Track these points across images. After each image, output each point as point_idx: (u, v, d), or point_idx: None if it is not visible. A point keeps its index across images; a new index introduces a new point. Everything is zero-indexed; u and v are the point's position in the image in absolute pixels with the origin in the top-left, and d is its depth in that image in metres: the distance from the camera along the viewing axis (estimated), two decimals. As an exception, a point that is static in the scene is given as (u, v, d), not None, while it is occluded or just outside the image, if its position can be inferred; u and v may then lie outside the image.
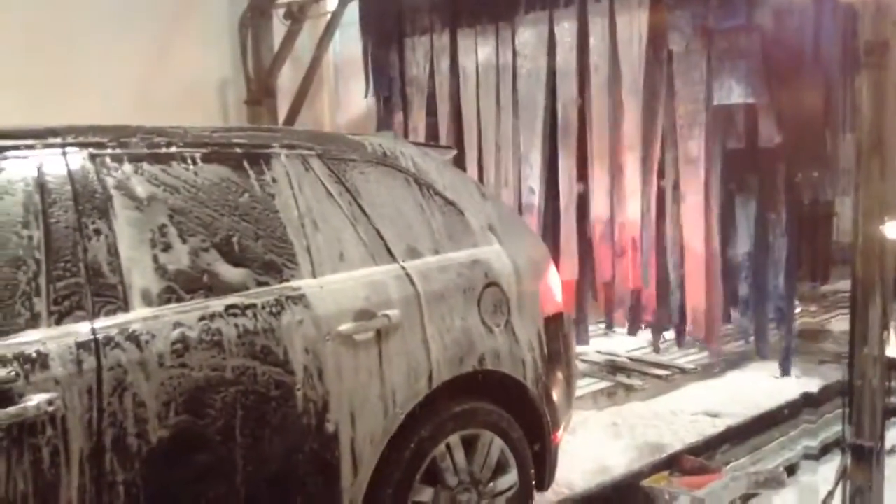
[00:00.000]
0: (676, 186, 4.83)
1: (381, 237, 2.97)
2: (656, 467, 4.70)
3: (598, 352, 7.23)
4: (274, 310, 2.59)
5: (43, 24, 5.28)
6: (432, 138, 5.94)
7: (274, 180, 2.77)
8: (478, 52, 5.54)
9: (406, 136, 6.08)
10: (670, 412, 5.85)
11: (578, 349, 6.72)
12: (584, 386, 6.54)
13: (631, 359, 7.19)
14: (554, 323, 3.50)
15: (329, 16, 6.24)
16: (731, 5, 4.32)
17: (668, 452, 4.95)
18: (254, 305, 2.56)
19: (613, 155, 4.98)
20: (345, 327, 2.73)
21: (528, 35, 5.26)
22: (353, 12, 6.26)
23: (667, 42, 4.67)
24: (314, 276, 2.75)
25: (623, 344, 7.37)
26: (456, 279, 3.11)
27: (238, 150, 2.72)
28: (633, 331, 6.03)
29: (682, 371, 6.76)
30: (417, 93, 5.92)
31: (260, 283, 2.62)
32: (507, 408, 3.28)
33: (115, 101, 5.54)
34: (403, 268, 2.98)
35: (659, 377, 6.66)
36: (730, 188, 4.89)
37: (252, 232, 2.65)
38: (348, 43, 6.53)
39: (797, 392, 5.86)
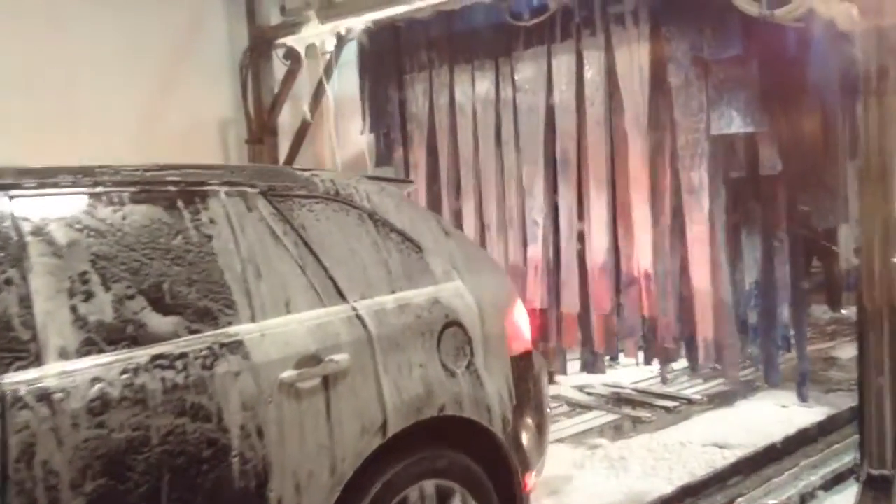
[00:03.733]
0: (680, 216, 4.83)
1: (331, 278, 2.80)
2: (667, 501, 4.65)
3: (604, 384, 7.19)
4: (207, 361, 2.40)
5: (44, 62, 5.31)
6: (432, 174, 5.96)
7: (212, 221, 2.60)
8: (476, 87, 5.58)
9: (406, 172, 6.10)
10: (679, 444, 5.80)
11: (588, 380, 6.71)
12: (590, 419, 6.51)
13: (637, 390, 7.15)
14: (523, 363, 3.32)
15: (328, 55, 6.28)
16: (728, 36, 4.35)
17: (679, 485, 4.91)
18: (184, 356, 2.37)
19: (615, 187, 4.99)
20: (287, 375, 2.54)
21: (527, 70, 5.30)
22: (351, 51, 6.31)
23: (666, 73, 4.69)
24: (254, 321, 2.56)
25: (628, 376, 7.34)
26: (413, 320, 2.94)
27: (172, 189, 2.55)
28: (648, 360, 6.00)
29: (690, 402, 6.72)
30: (417, 129, 5.95)
31: (193, 332, 2.43)
32: (472, 455, 3.09)
33: (116, 140, 5.56)
34: (355, 309, 2.80)
35: (666, 408, 6.62)
36: (733, 217, 4.89)
37: (185, 277, 2.47)
38: (347, 81, 6.57)
39: (807, 421, 5.81)
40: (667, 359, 5.65)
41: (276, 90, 6.23)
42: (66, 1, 5.46)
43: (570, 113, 5.13)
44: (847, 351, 7.57)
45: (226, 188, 2.68)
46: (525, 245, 5.52)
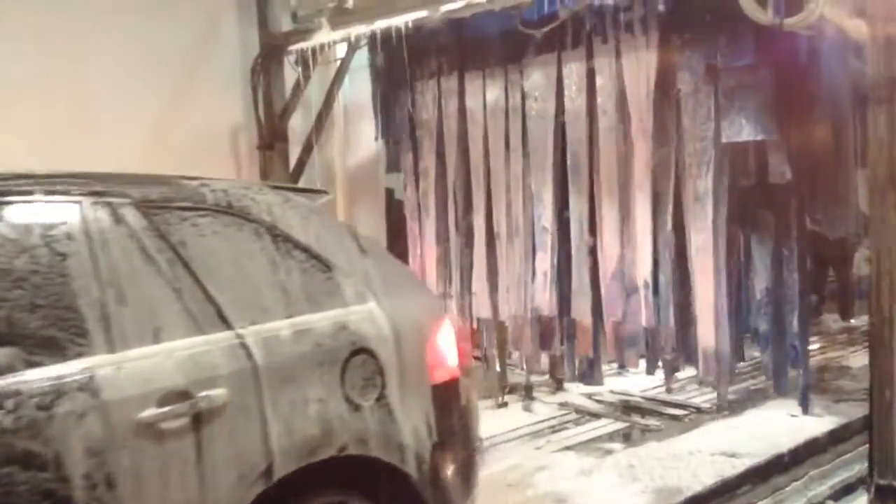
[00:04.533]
0: (686, 225, 4.82)
1: (213, 302, 2.48)
2: (675, 511, 4.63)
3: (612, 392, 7.18)
4: (45, 399, 2.07)
5: (57, 70, 5.36)
6: (441, 181, 5.97)
7: (68, 237, 2.29)
8: (486, 94, 5.59)
9: (416, 178, 6.11)
10: (688, 453, 5.78)
11: (593, 389, 6.70)
12: (599, 427, 6.50)
13: (646, 398, 7.14)
14: (447, 393, 3.00)
15: (339, 62, 6.32)
16: (739, 44, 4.35)
17: (688, 494, 4.90)
18: (17, 393, 2.05)
19: (623, 194, 4.99)
20: (147, 414, 2.22)
21: (537, 77, 5.31)
22: (362, 57, 6.34)
23: (675, 81, 4.69)
24: (112, 352, 2.24)
25: (637, 383, 7.33)
26: (312, 349, 2.62)
27: (21, 200, 2.26)
28: (650, 370, 5.98)
29: (699, 410, 6.69)
30: (427, 135, 5.97)
31: (31, 365, 2.12)
32: (380, 499, 2.80)
33: (129, 147, 5.60)
34: (240, 337, 2.48)
35: (675, 417, 6.60)
36: (742, 225, 4.88)
37: (27, 301, 2.16)
38: (358, 87, 6.60)
39: (817, 430, 5.79)
40: (670, 369, 5.64)
41: (286, 96, 6.26)
42: (80, 9, 5.49)
43: (580, 120, 5.14)
44: (858, 360, 7.55)
45: (90, 199, 2.38)
46: (534, 252, 5.52)
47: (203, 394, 2.34)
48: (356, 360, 2.73)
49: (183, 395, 2.31)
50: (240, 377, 2.44)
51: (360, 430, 2.69)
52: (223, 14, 6.34)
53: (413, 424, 2.84)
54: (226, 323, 2.49)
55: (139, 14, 5.75)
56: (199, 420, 2.32)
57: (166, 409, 2.27)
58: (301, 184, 6.43)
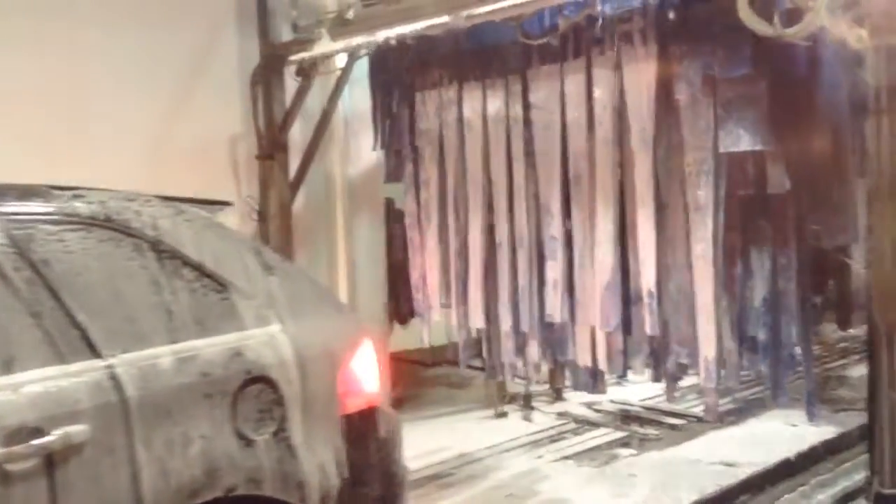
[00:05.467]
0: (686, 234, 4.85)
1: (79, 326, 2.21)
2: (676, 519, 4.65)
3: (612, 401, 7.20)
4: None
5: (57, 81, 5.37)
6: (442, 191, 5.99)
7: None
8: (487, 104, 5.62)
9: (416, 188, 6.12)
10: (688, 462, 5.80)
11: (596, 397, 6.71)
12: (598, 436, 6.52)
13: (645, 408, 7.15)
14: (362, 423, 2.77)
15: (339, 72, 6.34)
16: (737, 54, 4.38)
17: (687, 503, 4.91)
18: None
19: (621, 205, 5.02)
20: None
21: (539, 88, 5.34)
22: (362, 67, 6.37)
23: (675, 92, 4.72)
24: None
25: (636, 393, 7.35)
26: (197, 379, 2.36)
27: None
28: (655, 378, 6.00)
29: (699, 419, 6.72)
30: (428, 145, 5.99)
31: None
32: None
33: (128, 157, 5.61)
34: (110, 367, 2.21)
35: (675, 426, 6.62)
36: (742, 234, 4.90)
37: None
38: (358, 97, 6.62)
39: (817, 439, 5.81)
40: (673, 377, 5.65)
41: (287, 106, 6.27)
42: (80, 19, 5.51)
43: (582, 130, 5.17)
44: (857, 369, 7.58)
45: None
46: (540, 262, 5.54)
47: (58, 431, 2.07)
48: (251, 390, 2.47)
49: (33, 432, 2.04)
50: (105, 412, 2.16)
51: (253, 468, 2.43)
52: (223, 24, 6.35)
53: (319, 460, 2.60)
54: (93, 351, 2.22)
55: (139, 24, 5.76)
56: (52, 461, 2.06)
57: (12, 448, 2.01)
58: (301, 194, 6.46)
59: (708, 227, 4.64)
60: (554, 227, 5.37)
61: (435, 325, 6.28)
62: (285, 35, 6.27)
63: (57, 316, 2.20)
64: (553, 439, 6.50)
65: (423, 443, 6.31)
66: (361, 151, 6.79)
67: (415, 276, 6.21)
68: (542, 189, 5.38)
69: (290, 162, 6.40)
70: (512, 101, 5.48)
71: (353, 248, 6.96)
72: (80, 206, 2.41)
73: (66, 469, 2.08)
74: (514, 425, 6.84)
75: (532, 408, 7.12)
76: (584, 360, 5.42)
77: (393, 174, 6.40)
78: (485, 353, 6.41)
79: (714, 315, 4.72)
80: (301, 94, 6.17)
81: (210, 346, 2.44)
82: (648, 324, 4.99)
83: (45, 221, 2.31)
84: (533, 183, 5.45)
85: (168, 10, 5.90)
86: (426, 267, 6.11)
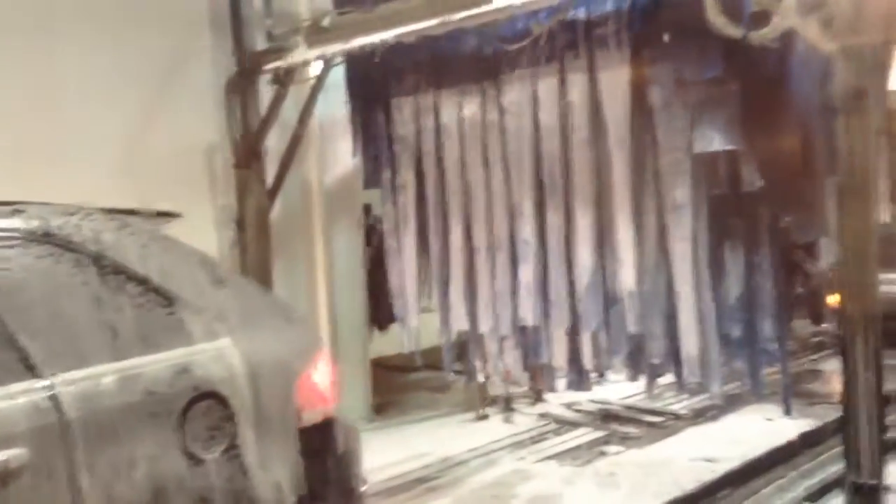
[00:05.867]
0: (663, 234, 4.92)
1: (16, 346, 2.12)
2: (657, 515, 4.71)
3: (591, 401, 7.26)
4: None
5: (31, 94, 5.33)
6: (417, 197, 6.01)
7: None
8: (463, 110, 5.67)
9: (394, 194, 6.15)
10: (667, 459, 5.88)
11: (576, 397, 6.77)
12: (578, 436, 6.58)
13: (625, 407, 7.23)
14: (319, 437, 2.70)
15: (315, 79, 6.35)
16: (708, 57, 4.46)
17: (667, 500, 4.98)
18: None
19: (599, 207, 5.08)
20: None
21: (513, 93, 5.40)
22: (337, 74, 6.39)
23: (648, 94, 4.80)
24: None
25: (616, 392, 7.42)
26: (143, 398, 2.28)
27: None
28: (634, 377, 6.08)
29: (677, 417, 6.80)
30: (405, 151, 6.02)
31: None
32: None
33: (103, 167, 5.58)
34: (50, 388, 2.12)
35: (653, 424, 6.70)
36: (717, 233, 4.99)
37: None
38: (334, 104, 6.63)
39: (793, 433, 5.91)
40: (652, 375, 5.73)
41: (262, 115, 6.27)
42: (54, 32, 5.48)
43: (556, 134, 5.23)
44: (831, 363, 7.71)
45: None
46: (515, 266, 5.59)
47: None
48: (199, 407, 2.38)
49: None
50: (44, 434, 2.07)
51: (203, 487, 2.35)
52: (197, 34, 6.33)
53: (273, 477, 2.52)
54: (32, 371, 2.12)
55: (111, 35, 5.74)
56: None
57: None
58: (278, 202, 6.46)
59: (687, 227, 4.71)
60: (527, 231, 5.42)
61: (415, 329, 6.30)
62: (260, 44, 6.27)
63: None
64: (535, 440, 6.55)
65: (407, 447, 6.34)
66: (338, 158, 6.80)
67: (394, 281, 6.24)
68: (514, 193, 5.44)
69: (267, 170, 6.40)
70: (487, 106, 5.53)
71: (331, 255, 6.98)
72: (19, 222, 2.34)
73: (5, 495, 2.00)
74: (496, 427, 6.88)
75: (513, 410, 7.17)
76: (560, 361, 5.47)
77: (371, 180, 6.43)
78: (464, 357, 6.46)
79: (695, 313, 4.79)
80: (277, 102, 6.18)
81: (155, 363, 2.35)
82: (629, 322, 5.05)
83: None
84: (507, 187, 5.50)
85: (142, 22, 5.87)
86: (405, 272, 6.14)
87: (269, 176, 6.41)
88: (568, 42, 5.00)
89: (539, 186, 5.38)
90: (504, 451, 6.30)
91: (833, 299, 6.89)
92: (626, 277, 4.99)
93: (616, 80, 4.85)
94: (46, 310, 2.26)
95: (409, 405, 7.66)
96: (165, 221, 2.94)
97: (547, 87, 5.19)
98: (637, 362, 5.36)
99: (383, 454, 6.17)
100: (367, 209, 7.36)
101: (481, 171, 5.63)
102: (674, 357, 5.06)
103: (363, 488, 2.98)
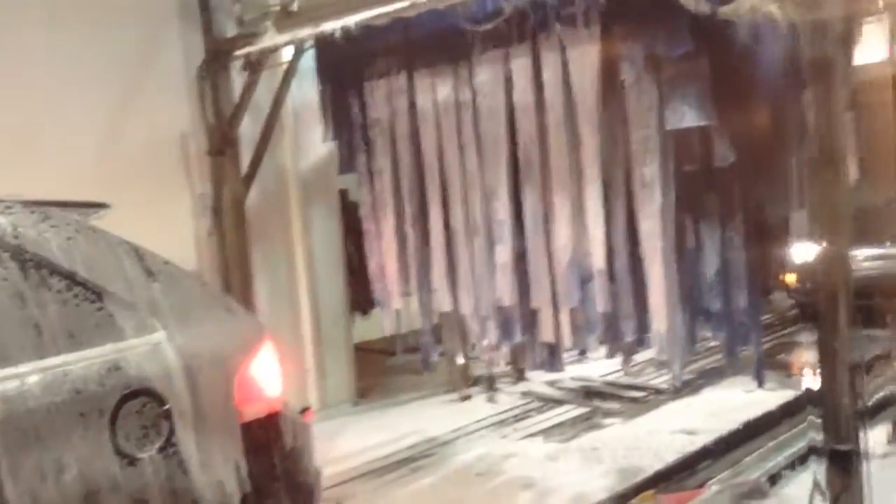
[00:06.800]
0: (633, 212, 4.96)
1: None
2: (640, 488, 4.77)
3: (573, 378, 7.33)
4: None
5: (7, 89, 5.25)
6: (394, 180, 6.00)
7: None
8: (437, 92, 5.64)
9: (371, 178, 6.13)
10: (649, 433, 5.96)
11: (558, 375, 6.82)
12: (561, 413, 6.65)
13: (606, 383, 7.30)
14: (265, 430, 2.63)
15: (286, 64, 6.31)
16: (678, 33, 4.46)
17: (650, 472, 5.04)
18: None
19: (574, 185, 5.09)
20: None
21: (486, 73, 5.38)
22: (310, 58, 6.35)
23: (618, 72, 4.80)
24: None
25: (597, 369, 7.49)
26: (69, 397, 2.18)
27: None
28: (610, 354, 6.12)
29: (658, 391, 6.88)
30: (380, 135, 5.99)
31: None
32: None
33: (76, 159, 5.54)
34: None
35: (635, 399, 6.78)
36: (690, 209, 5.02)
37: None
38: (307, 89, 6.60)
39: (772, 404, 5.99)
40: (627, 352, 5.79)
41: (235, 101, 6.23)
42: (20, 20, 5.41)
43: (529, 114, 5.22)
44: (807, 335, 7.82)
45: None
46: (492, 246, 5.60)
47: None
48: (132, 404, 2.30)
49: None
50: None
51: (138, 488, 2.27)
52: (166, 21, 6.27)
53: (215, 473, 2.44)
54: None
55: (81, 24, 5.67)
56: None
57: None
58: (254, 189, 6.43)
59: (655, 204, 4.74)
60: (502, 212, 5.43)
61: (396, 313, 6.31)
62: (230, 30, 6.22)
63: None
64: (518, 418, 6.62)
65: (391, 429, 6.40)
66: (313, 144, 6.78)
67: (373, 265, 6.23)
68: (490, 174, 5.44)
69: (242, 157, 6.37)
70: (460, 88, 5.50)
71: (310, 241, 6.97)
72: None
73: None
74: (480, 407, 6.94)
75: (496, 389, 7.23)
76: (539, 339, 5.50)
77: (346, 165, 6.40)
78: (446, 338, 6.48)
79: (665, 289, 4.83)
80: (249, 88, 6.14)
81: (83, 361, 2.26)
82: (600, 300, 5.09)
83: None
84: (484, 168, 5.50)
85: (110, 9, 5.80)
86: (384, 256, 6.14)
87: (245, 163, 6.38)
88: (539, 21, 4.97)
89: (514, 166, 5.38)
90: (488, 429, 6.36)
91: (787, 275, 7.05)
92: (598, 255, 5.01)
93: (586, 57, 4.83)
94: None
95: (394, 388, 7.70)
96: (93, 212, 2.82)
97: (519, 66, 5.17)
98: (612, 340, 5.40)
99: (368, 436, 6.23)
100: (343, 194, 7.34)
101: (457, 152, 5.61)
102: (646, 334, 5.11)
103: (316, 482, 2.89)
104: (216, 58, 6.20)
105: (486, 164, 5.49)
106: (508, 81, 5.27)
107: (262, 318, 6.35)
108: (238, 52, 6.06)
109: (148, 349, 2.39)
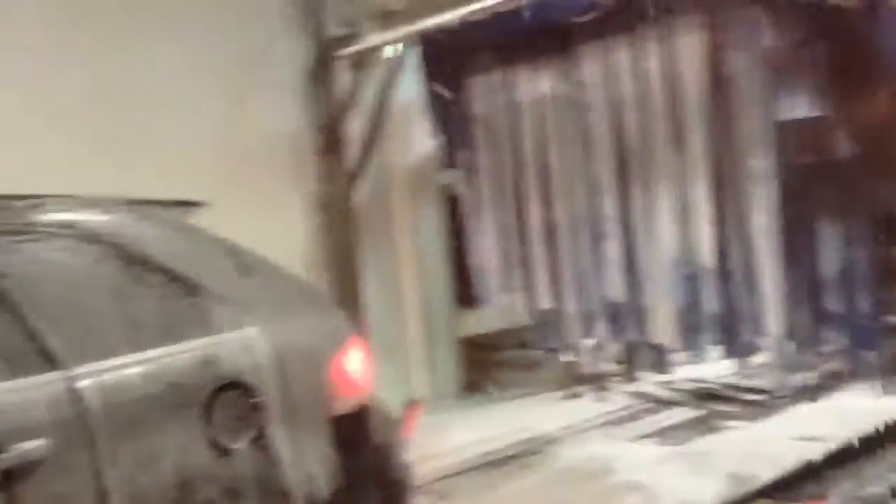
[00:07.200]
0: (746, 207, 4.72)
1: (36, 338, 2.13)
2: (754, 496, 4.56)
3: (688, 379, 7.07)
4: None
5: (122, 82, 5.52)
6: (496, 176, 5.95)
7: None
8: (539, 86, 5.56)
9: (473, 174, 6.10)
10: (766, 438, 5.66)
11: (668, 377, 6.60)
12: (674, 415, 6.42)
13: (722, 385, 7.00)
14: (353, 426, 2.65)
15: (394, 61, 6.34)
16: (791, 20, 4.22)
17: (767, 480, 4.80)
18: None
19: (679, 179, 4.90)
20: None
21: (589, 65, 5.25)
22: (414, 57, 6.36)
23: (727, 62, 4.58)
24: None
25: (713, 370, 7.19)
26: (166, 389, 2.27)
27: None
28: (724, 355, 5.87)
29: (777, 395, 6.53)
30: (481, 131, 5.96)
31: None
32: None
33: (192, 157, 5.77)
34: (71, 379, 2.11)
35: (753, 403, 6.46)
36: (805, 204, 4.74)
37: None
38: (413, 86, 6.62)
39: (899, 412, 5.59)
40: (742, 354, 5.53)
41: (342, 101, 6.32)
42: (140, 25, 5.65)
43: (633, 106, 5.07)
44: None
45: None
46: (598, 242, 5.47)
47: (15, 447, 1.98)
48: (225, 397, 2.36)
49: None
50: (65, 426, 2.07)
51: (229, 478, 2.32)
52: (278, 22, 6.43)
53: (305, 467, 2.48)
54: (52, 363, 2.12)
55: (197, 29, 5.88)
56: (10, 477, 1.97)
57: None
58: (361, 186, 6.52)
59: (768, 199, 4.50)
60: (609, 206, 5.29)
61: (500, 308, 6.27)
62: (337, 30, 6.31)
63: (12, 328, 2.12)
64: (628, 419, 6.43)
65: (498, 424, 6.35)
66: (419, 140, 6.80)
67: (475, 261, 6.21)
68: (596, 168, 5.31)
69: (348, 155, 6.46)
70: (563, 82, 5.41)
71: (416, 237, 7.00)
72: (40, 216, 2.36)
73: (23, 486, 1.99)
74: (588, 406, 6.79)
75: (606, 388, 7.06)
76: (650, 338, 5.34)
77: (449, 161, 6.40)
78: (552, 335, 6.39)
79: (780, 289, 4.58)
80: (354, 88, 6.22)
81: (178, 354, 2.34)
82: (711, 300, 4.88)
83: (3, 232, 2.25)
84: (587, 162, 5.37)
85: (223, 13, 6.01)
86: (487, 252, 6.11)
87: (352, 161, 6.47)
88: (642, 11, 4.81)
89: (619, 160, 5.23)
90: (596, 429, 6.22)
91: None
92: (707, 253, 4.80)
93: (693, 47, 4.65)
94: (68, 302, 2.27)
95: (501, 383, 7.65)
96: (189, 210, 2.86)
97: (622, 58, 5.03)
98: (726, 341, 5.17)
99: (475, 431, 6.21)
100: (448, 190, 7.34)
101: (559, 147, 5.51)
102: (761, 335, 4.86)
103: (407, 479, 2.89)
104: (324, 57, 6.31)
105: (591, 158, 5.37)
106: (611, 73, 5.13)
107: (370, 312, 6.47)
108: (344, 52, 6.15)
109: (241, 343, 2.44)
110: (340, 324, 2.88)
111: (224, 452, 2.32)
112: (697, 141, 4.77)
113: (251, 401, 2.39)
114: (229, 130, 6.11)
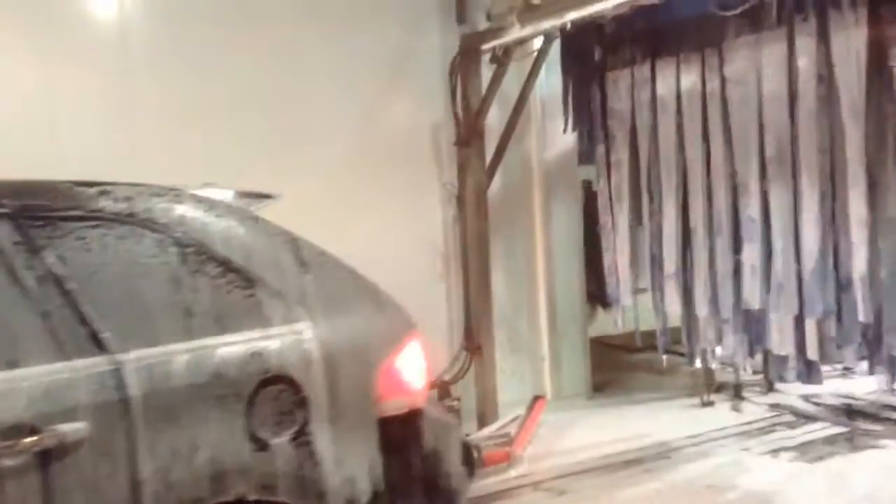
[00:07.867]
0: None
1: (88, 323, 2.18)
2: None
3: (834, 394, 6.69)
4: None
5: (274, 85, 5.83)
6: (634, 173, 5.83)
7: None
8: (681, 81, 5.39)
9: (609, 170, 6.01)
10: (913, 462, 5.29)
11: (816, 389, 6.26)
12: (814, 430, 6.10)
13: (872, 402, 6.58)
14: (403, 429, 2.57)
15: (535, 54, 6.35)
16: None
17: (911, 507, 4.50)
18: None
19: (829, 183, 4.63)
20: None
21: (736, 61, 5.05)
22: (557, 49, 6.33)
23: (888, 58, 4.28)
24: None
25: (863, 386, 6.77)
26: (210, 380, 2.27)
27: None
28: (871, 370, 5.51)
29: (933, 415, 6.08)
30: (620, 125, 5.85)
31: None
32: None
33: (339, 151, 6.03)
34: (116, 364, 2.16)
35: (901, 422, 6.05)
36: None
37: None
38: (553, 80, 6.60)
39: None
40: (891, 369, 5.16)
41: (483, 93, 6.38)
42: (302, 27, 5.94)
43: (783, 104, 4.83)
44: None
45: None
46: (737, 245, 5.26)
47: (54, 427, 2.03)
48: (270, 390, 2.35)
49: (24, 428, 2.02)
50: (106, 409, 2.11)
51: (266, 473, 2.30)
52: (425, 17, 6.58)
53: (347, 467, 2.42)
54: (101, 348, 2.17)
55: (347, 25, 6.11)
56: (47, 458, 2.02)
57: (3, 443, 1.99)
58: (497, 178, 6.56)
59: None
60: (752, 209, 5.06)
61: (629, 309, 6.14)
62: (481, 24, 6.38)
63: (66, 312, 2.17)
64: (763, 431, 6.16)
65: (625, 427, 6.26)
66: (557, 134, 6.77)
67: (608, 259, 6.11)
68: (739, 168, 5.09)
69: (487, 147, 6.52)
70: (707, 76, 5.21)
71: (550, 232, 6.98)
72: (104, 203, 2.38)
73: (62, 465, 2.04)
74: (722, 415, 6.56)
75: (742, 398, 6.79)
76: (786, 349, 5.07)
77: (585, 156, 6.33)
78: (684, 340, 6.20)
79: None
80: (495, 81, 6.25)
81: (227, 345, 2.34)
82: (860, 311, 4.58)
83: (66, 218, 2.29)
84: (730, 162, 5.17)
85: (374, 9, 6.23)
86: (618, 250, 5.99)
87: (490, 153, 6.52)
88: (796, 4, 4.57)
89: (763, 160, 5.00)
90: (728, 440, 6.00)
91: None
92: (859, 260, 4.51)
93: (851, 43, 4.36)
94: (122, 289, 2.31)
95: (631, 385, 7.51)
96: (261, 202, 2.86)
97: (772, 54, 4.79)
98: (874, 354, 4.84)
99: (600, 432, 6.14)
100: (586, 186, 7.25)
101: (700, 145, 5.32)
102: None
103: (459, 489, 2.78)
104: (467, 51, 6.38)
105: (734, 157, 5.16)
106: (761, 69, 4.91)
107: (499, 304, 6.51)
108: (486, 45, 6.20)
109: (291, 338, 2.43)
110: (398, 324, 2.81)
111: (263, 447, 2.31)
112: (854, 143, 4.47)
113: (296, 397, 2.38)
114: (376, 121, 6.35)
